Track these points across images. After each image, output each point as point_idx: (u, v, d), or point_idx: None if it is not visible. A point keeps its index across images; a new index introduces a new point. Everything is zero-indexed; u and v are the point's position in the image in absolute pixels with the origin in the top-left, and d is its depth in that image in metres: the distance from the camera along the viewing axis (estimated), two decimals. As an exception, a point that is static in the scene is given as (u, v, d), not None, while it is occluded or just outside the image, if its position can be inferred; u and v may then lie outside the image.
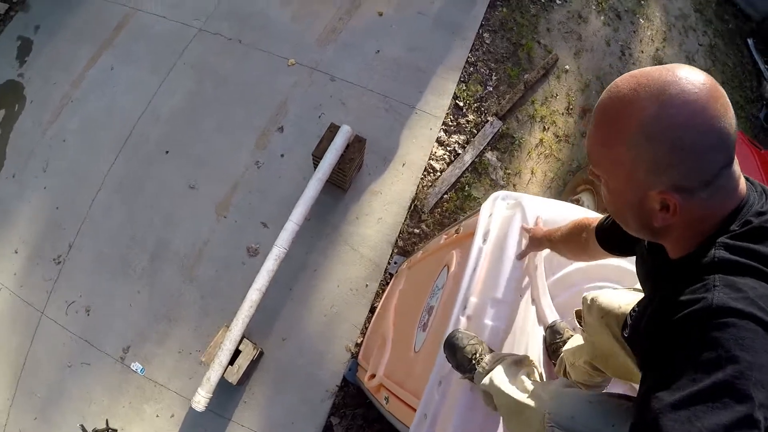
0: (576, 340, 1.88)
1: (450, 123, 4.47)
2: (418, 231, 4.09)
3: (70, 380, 3.55)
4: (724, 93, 0.96)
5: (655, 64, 5.51)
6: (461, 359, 1.72)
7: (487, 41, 4.83)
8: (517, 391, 1.48)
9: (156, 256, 3.78)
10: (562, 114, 4.83)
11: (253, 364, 3.44)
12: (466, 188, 4.31)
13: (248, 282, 3.62)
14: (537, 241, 1.91)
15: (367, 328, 3.74)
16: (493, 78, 4.72)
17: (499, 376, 1.58)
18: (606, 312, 1.59)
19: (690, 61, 5.59)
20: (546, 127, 4.73)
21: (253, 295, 3.32)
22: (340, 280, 3.82)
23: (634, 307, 1.25)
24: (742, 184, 1.02)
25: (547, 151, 4.66)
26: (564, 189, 4.54)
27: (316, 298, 3.76)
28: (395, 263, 3.92)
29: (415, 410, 1.99)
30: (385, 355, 2.72)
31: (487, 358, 1.70)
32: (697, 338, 0.89)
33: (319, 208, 3.65)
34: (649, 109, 0.94)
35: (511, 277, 1.90)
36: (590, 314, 1.66)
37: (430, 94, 4.46)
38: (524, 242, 1.97)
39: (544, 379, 1.69)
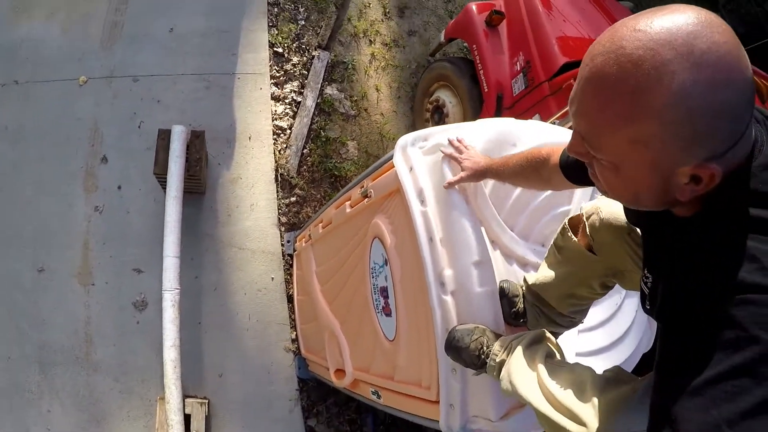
0: (547, 272, 1.68)
1: (277, 74, 4.10)
2: (294, 199, 3.82)
3: None
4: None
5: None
6: (469, 359, 1.56)
7: (278, -26, 4.41)
8: (548, 406, 1.31)
9: (44, 363, 3.18)
10: (382, 21, 4.60)
11: (208, 420, 3.14)
12: (322, 133, 4.05)
13: (154, 338, 3.22)
14: (478, 174, 1.68)
15: (294, 320, 3.50)
16: (301, 10, 4.34)
17: (520, 380, 1.41)
18: (620, 227, 1.42)
19: None
20: (371, 40, 4.50)
21: (171, 354, 2.96)
22: (244, 288, 3.50)
23: (645, 274, 1.09)
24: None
25: (382, 63, 4.46)
26: (415, 94, 4.39)
27: (230, 318, 3.44)
28: (288, 242, 3.65)
29: (423, 400, 1.87)
30: (344, 348, 2.52)
31: (495, 347, 1.54)
32: (713, 317, 0.80)
33: (186, 224, 3.22)
34: (682, 73, 0.75)
35: (478, 232, 1.68)
36: (599, 231, 1.48)
37: (245, 53, 4.01)
38: (452, 172, 1.74)
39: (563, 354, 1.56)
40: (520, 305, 1.74)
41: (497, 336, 1.60)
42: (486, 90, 3.65)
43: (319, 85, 4.15)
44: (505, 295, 1.73)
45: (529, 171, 1.53)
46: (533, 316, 1.73)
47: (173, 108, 3.76)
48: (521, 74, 3.46)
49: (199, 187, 3.50)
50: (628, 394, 1.17)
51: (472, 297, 1.65)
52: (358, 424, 3.50)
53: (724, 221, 0.86)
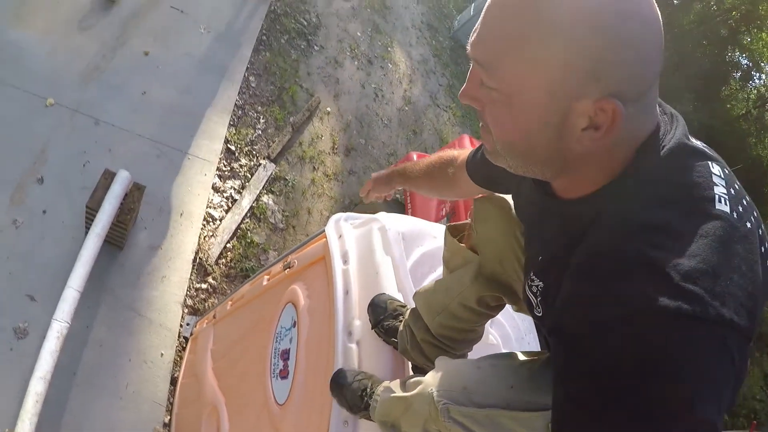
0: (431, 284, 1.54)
1: (224, 168, 4.28)
2: (205, 286, 3.81)
3: None
4: None
5: (405, 105, 6.05)
6: (351, 398, 1.48)
7: (253, 84, 4.77)
8: (402, 392, 1.30)
9: None
10: (329, 153, 4.97)
11: (49, 478, 2.77)
12: (248, 235, 4.15)
13: (22, 372, 2.91)
14: (385, 178, 1.70)
15: (172, 404, 3.34)
16: (261, 121, 4.67)
17: (384, 393, 1.40)
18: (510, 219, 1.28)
19: (433, 99, 6.20)
20: (315, 167, 4.82)
21: (38, 386, 2.62)
22: (130, 354, 3.31)
23: (531, 277, 0.98)
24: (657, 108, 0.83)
25: (319, 191, 4.75)
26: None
27: (106, 380, 3.16)
28: (188, 325, 3.58)
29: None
30: (223, 424, 2.42)
31: (380, 389, 1.45)
32: (613, 350, 0.67)
33: (93, 271, 3.05)
34: None
35: (393, 293, 1.76)
36: (486, 222, 1.33)
37: (201, 139, 4.19)
38: (381, 241, 1.85)
39: None
40: (392, 322, 1.64)
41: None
42: (409, 228, 4.16)
43: (258, 191, 4.34)
44: (374, 305, 1.67)
45: (437, 169, 1.50)
46: (403, 340, 1.59)
47: (121, 160, 3.77)
48: (445, 219, 3.94)
49: (120, 240, 3.44)
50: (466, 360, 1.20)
51: (376, 349, 1.69)
52: None
53: (626, 210, 0.77)
